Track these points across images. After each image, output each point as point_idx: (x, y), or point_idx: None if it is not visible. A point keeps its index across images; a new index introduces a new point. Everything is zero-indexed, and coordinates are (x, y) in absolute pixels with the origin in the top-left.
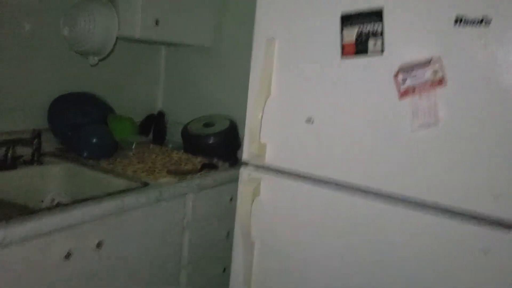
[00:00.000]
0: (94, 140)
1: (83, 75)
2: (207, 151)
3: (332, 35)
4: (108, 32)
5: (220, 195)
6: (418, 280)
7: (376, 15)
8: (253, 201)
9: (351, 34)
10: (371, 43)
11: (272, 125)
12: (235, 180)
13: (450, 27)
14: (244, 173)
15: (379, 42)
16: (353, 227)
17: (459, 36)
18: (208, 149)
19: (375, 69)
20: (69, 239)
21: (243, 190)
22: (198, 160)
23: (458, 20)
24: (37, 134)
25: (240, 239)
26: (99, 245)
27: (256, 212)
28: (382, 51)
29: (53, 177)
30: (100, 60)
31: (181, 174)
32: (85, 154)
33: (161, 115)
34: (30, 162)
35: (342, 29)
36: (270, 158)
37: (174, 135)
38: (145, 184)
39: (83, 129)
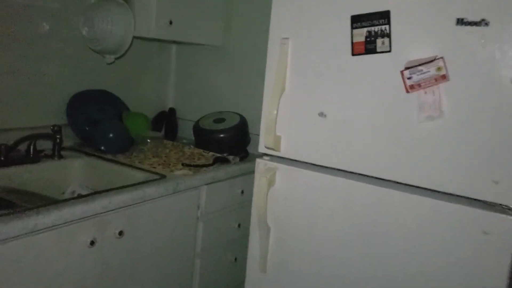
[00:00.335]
0: (111, 135)
1: (99, 73)
2: (218, 146)
3: (342, 34)
4: (125, 32)
5: (232, 188)
6: (425, 259)
7: (384, 16)
8: (268, 190)
9: (361, 33)
10: (379, 42)
11: (286, 119)
12: (245, 173)
13: (452, 27)
14: (261, 163)
15: (386, 41)
16: (364, 213)
17: (461, 35)
18: (219, 144)
19: (383, 66)
20: (94, 227)
21: (260, 179)
22: (210, 155)
23: (460, 21)
24: (58, 129)
25: (256, 225)
26: (120, 233)
27: (272, 200)
28: (390, 49)
29: (73, 170)
30: (116, 59)
31: (195, 167)
32: (102, 149)
33: (172, 111)
34: (51, 156)
35: (352, 29)
36: (284, 149)
37: (185, 131)
38: (163, 176)
39: (101, 125)
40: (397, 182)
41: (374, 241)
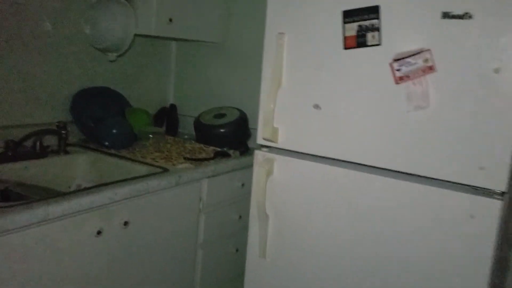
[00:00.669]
0: (115, 131)
1: (102, 71)
2: (219, 141)
3: (335, 29)
4: (127, 30)
5: (233, 181)
6: (418, 243)
7: (374, 11)
8: (267, 180)
9: (352, 28)
10: (369, 36)
11: (283, 111)
12: (246, 167)
13: (439, 21)
14: (259, 154)
15: (377, 35)
16: (358, 200)
17: (446, 28)
18: (220, 138)
19: (374, 59)
20: (101, 218)
21: (258, 170)
22: (211, 149)
23: (445, 15)
24: (63, 126)
25: (256, 214)
26: (126, 224)
27: (270, 189)
28: (380, 42)
29: (79, 165)
30: (118, 56)
31: (197, 160)
32: (107, 144)
33: (173, 108)
34: (57, 151)
35: (344, 24)
36: (282, 141)
37: (186, 127)
38: (165, 170)
39: (105, 121)
40: (390, 170)
41: (369, 227)
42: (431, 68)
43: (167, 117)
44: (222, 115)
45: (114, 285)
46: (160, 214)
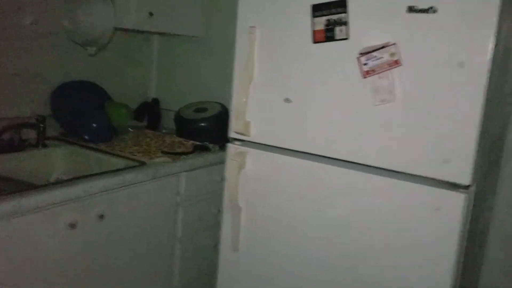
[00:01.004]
0: (94, 125)
1: (82, 64)
2: (200, 135)
3: (305, 23)
4: (106, 24)
5: (211, 175)
6: (385, 235)
7: (341, 5)
8: (239, 173)
9: (321, 22)
10: (337, 30)
11: (255, 105)
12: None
13: (404, 15)
14: (232, 148)
15: (344, 29)
16: (327, 193)
17: (412, 22)
18: (201, 133)
19: (342, 53)
20: (75, 210)
21: (231, 163)
22: (190, 143)
23: (410, 9)
24: (43, 119)
25: (228, 206)
26: (101, 217)
27: (243, 182)
28: (348, 36)
29: (57, 158)
30: (98, 50)
31: (175, 154)
32: (86, 138)
33: (155, 102)
34: (35, 145)
35: (313, 18)
36: (254, 134)
37: (168, 121)
38: (142, 163)
39: (84, 115)
40: (357, 163)
41: (338, 218)
42: (397, 62)
43: (149, 111)
44: (203, 109)
45: (90, 279)
46: (137, 207)
